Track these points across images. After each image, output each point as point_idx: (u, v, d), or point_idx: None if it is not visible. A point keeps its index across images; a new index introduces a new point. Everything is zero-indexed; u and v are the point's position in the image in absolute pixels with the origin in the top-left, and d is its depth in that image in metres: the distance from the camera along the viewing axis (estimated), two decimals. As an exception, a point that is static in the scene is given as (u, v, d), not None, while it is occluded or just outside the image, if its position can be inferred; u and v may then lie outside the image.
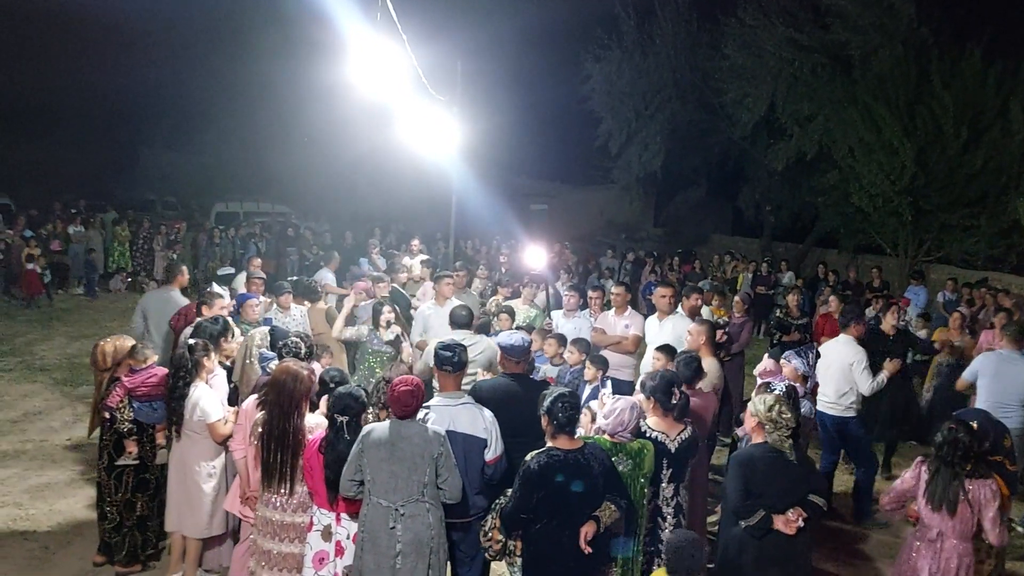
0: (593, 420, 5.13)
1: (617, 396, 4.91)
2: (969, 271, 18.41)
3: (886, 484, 6.98)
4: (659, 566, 5.01)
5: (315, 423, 4.84)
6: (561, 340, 7.45)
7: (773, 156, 21.62)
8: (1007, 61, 17.48)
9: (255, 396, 5.17)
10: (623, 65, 24.07)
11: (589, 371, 6.58)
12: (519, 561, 4.57)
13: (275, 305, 8.34)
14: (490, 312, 8.76)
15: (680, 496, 5.07)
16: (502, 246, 19.69)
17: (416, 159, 13.67)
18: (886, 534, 7.20)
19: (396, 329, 7.80)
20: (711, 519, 6.59)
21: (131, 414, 5.75)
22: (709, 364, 6.32)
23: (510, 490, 4.42)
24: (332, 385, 4.96)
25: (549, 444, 4.38)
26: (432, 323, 8.28)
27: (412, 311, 9.14)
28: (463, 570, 4.90)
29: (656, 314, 7.86)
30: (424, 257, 12.48)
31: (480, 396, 5.06)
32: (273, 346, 6.72)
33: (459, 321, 6.69)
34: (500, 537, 4.61)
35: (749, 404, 4.83)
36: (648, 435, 4.94)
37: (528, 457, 4.32)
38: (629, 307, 8.29)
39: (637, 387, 6.79)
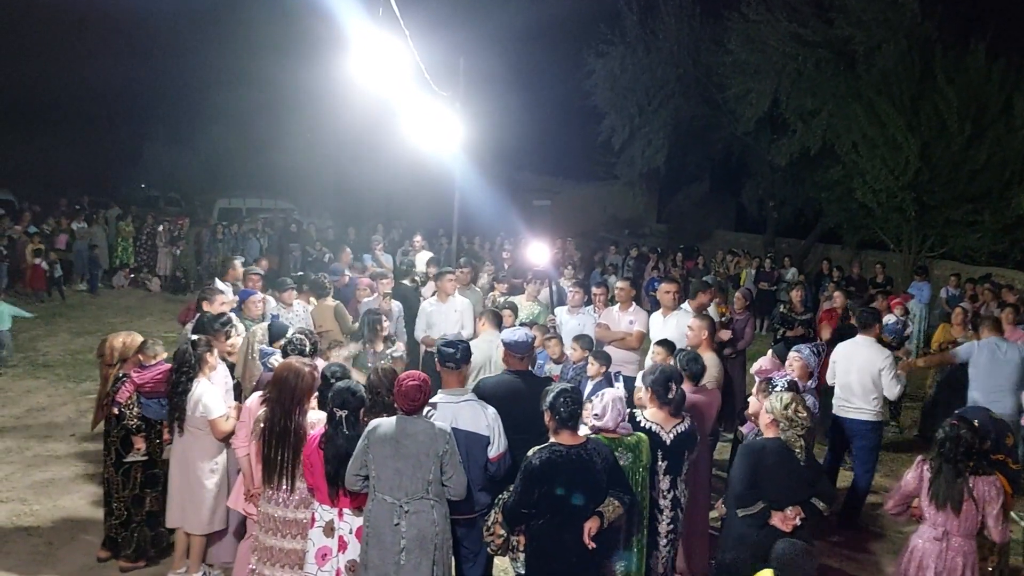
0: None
1: (601, 392, 4.90)
2: (972, 267, 18.39)
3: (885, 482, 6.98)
4: (657, 561, 5.02)
5: (316, 419, 4.84)
6: (561, 342, 7.54)
7: (776, 152, 21.56)
8: (1011, 56, 17.42)
9: (259, 393, 5.18)
10: (626, 60, 24.00)
11: (592, 367, 6.58)
12: (522, 557, 4.58)
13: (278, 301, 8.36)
14: (498, 307, 8.76)
15: (678, 490, 5.07)
16: (505, 242, 19.69)
17: (419, 155, 13.65)
18: (888, 530, 7.21)
19: (400, 348, 7.66)
20: (712, 515, 6.59)
21: (139, 410, 5.77)
22: (709, 359, 6.32)
23: (512, 485, 4.42)
24: (333, 380, 4.96)
25: (552, 440, 4.38)
26: (435, 319, 8.30)
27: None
28: (467, 566, 4.90)
29: (660, 310, 7.85)
30: (429, 255, 12.51)
31: (483, 393, 5.06)
32: (272, 341, 6.73)
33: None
34: (502, 532, 4.61)
35: (766, 401, 4.82)
36: (644, 426, 4.97)
37: (530, 453, 4.32)
38: (633, 303, 8.27)
39: (616, 387, 6.89)
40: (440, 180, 15.82)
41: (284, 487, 4.75)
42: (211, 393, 5.47)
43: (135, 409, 5.76)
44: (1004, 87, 17.36)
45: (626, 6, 23.93)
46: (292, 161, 27.13)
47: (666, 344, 6.51)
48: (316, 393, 4.98)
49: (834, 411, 7.28)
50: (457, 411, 4.74)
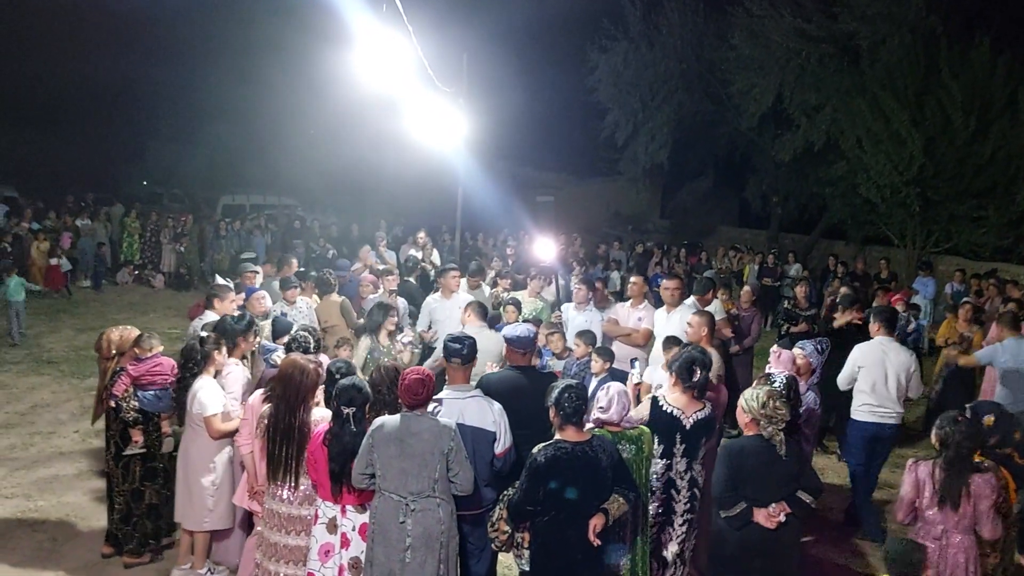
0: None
1: (607, 385, 4.90)
2: (977, 262, 18.34)
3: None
4: (672, 538, 5.00)
5: (320, 416, 4.83)
6: (563, 337, 7.58)
7: (780, 147, 21.53)
8: (1016, 50, 17.35)
9: (261, 390, 5.17)
10: (629, 56, 23.97)
11: (596, 363, 6.57)
12: (527, 553, 4.57)
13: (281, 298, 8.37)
14: (502, 300, 8.77)
15: (694, 471, 5.08)
16: (508, 238, 19.67)
17: (422, 151, 13.65)
18: (890, 529, 7.19)
19: (409, 334, 7.67)
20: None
21: (136, 403, 5.78)
22: (711, 355, 6.30)
23: (518, 482, 4.41)
24: (338, 376, 4.95)
25: (557, 436, 4.37)
26: (438, 316, 8.28)
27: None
28: (472, 562, 4.90)
29: (664, 307, 7.83)
30: (433, 251, 12.56)
31: (486, 388, 5.05)
32: (276, 338, 6.72)
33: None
34: (507, 528, 4.61)
35: (742, 401, 4.77)
36: (665, 409, 4.97)
37: (535, 450, 4.30)
38: (645, 299, 8.25)
39: (631, 375, 6.89)
40: (443, 176, 15.83)
41: (288, 484, 4.75)
42: (208, 390, 5.47)
43: (132, 402, 5.77)
44: (1009, 81, 17.29)
45: (629, 1, 23.90)
46: (296, 157, 27.11)
47: (675, 341, 6.50)
48: (321, 389, 4.98)
49: (861, 417, 6.93)
50: (463, 407, 4.73)
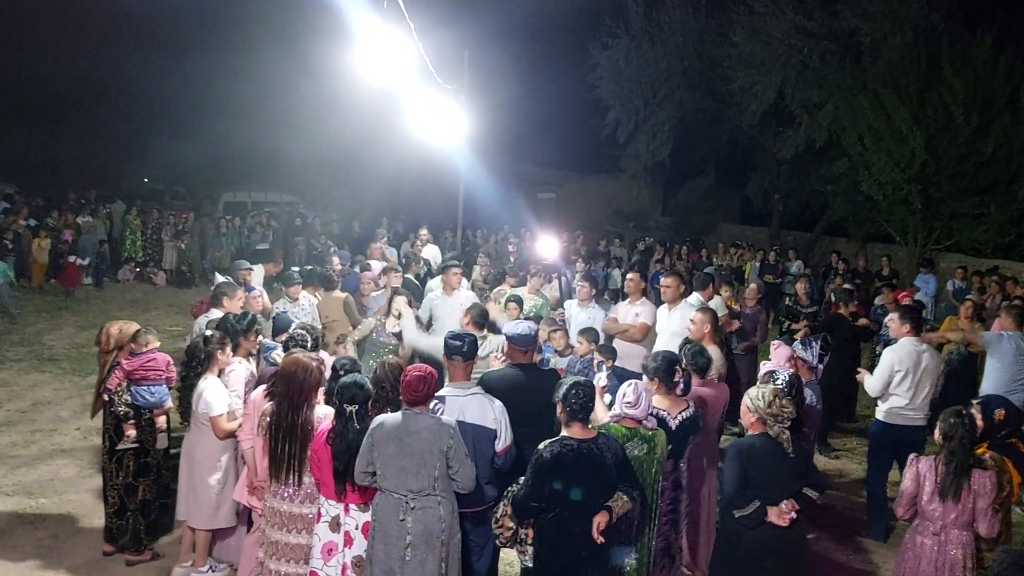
0: (609, 407, 5.10)
1: (630, 381, 4.87)
2: (979, 259, 18.32)
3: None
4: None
5: (323, 414, 4.82)
6: (566, 334, 7.59)
7: (782, 144, 21.53)
8: (1018, 48, 17.35)
9: (263, 387, 5.16)
10: (631, 53, 23.96)
11: (598, 361, 6.57)
12: (530, 550, 4.56)
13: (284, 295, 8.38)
14: (500, 297, 8.77)
15: (679, 471, 5.15)
16: (510, 236, 19.66)
17: (423, 148, 13.64)
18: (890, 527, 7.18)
19: (409, 314, 7.72)
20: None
21: (128, 398, 5.77)
22: (712, 353, 6.29)
23: (523, 478, 4.41)
24: (342, 373, 4.93)
25: (563, 433, 4.36)
26: (438, 312, 8.27)
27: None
28: (474, 559, 4.89)
29: (666, 304, 7.82)
30: (434, 248, 12.55)
31: (487, 386, 5.04)
32: (275, 335, 6.72)
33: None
34: (511, 524, 4.60)
35: (747, 400, 4.76)
36: (652, 412, 4.95)
37: (541, 446, 4.30)
38: (643, 295, 8.23)
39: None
40: (445, 173, 15.83)
41: (291, 482, 4.73)
42: (214, 390, 5.46)
43: (124, 396, 5.77)
44: (1011, 78, 17.30)
45: (631, -2, 23.90)
46: (297, 155, 27.13)
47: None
48: (323, 387, 4.97)
49: (892, 420, 6.72)
50: (464, 404, 4.72)
